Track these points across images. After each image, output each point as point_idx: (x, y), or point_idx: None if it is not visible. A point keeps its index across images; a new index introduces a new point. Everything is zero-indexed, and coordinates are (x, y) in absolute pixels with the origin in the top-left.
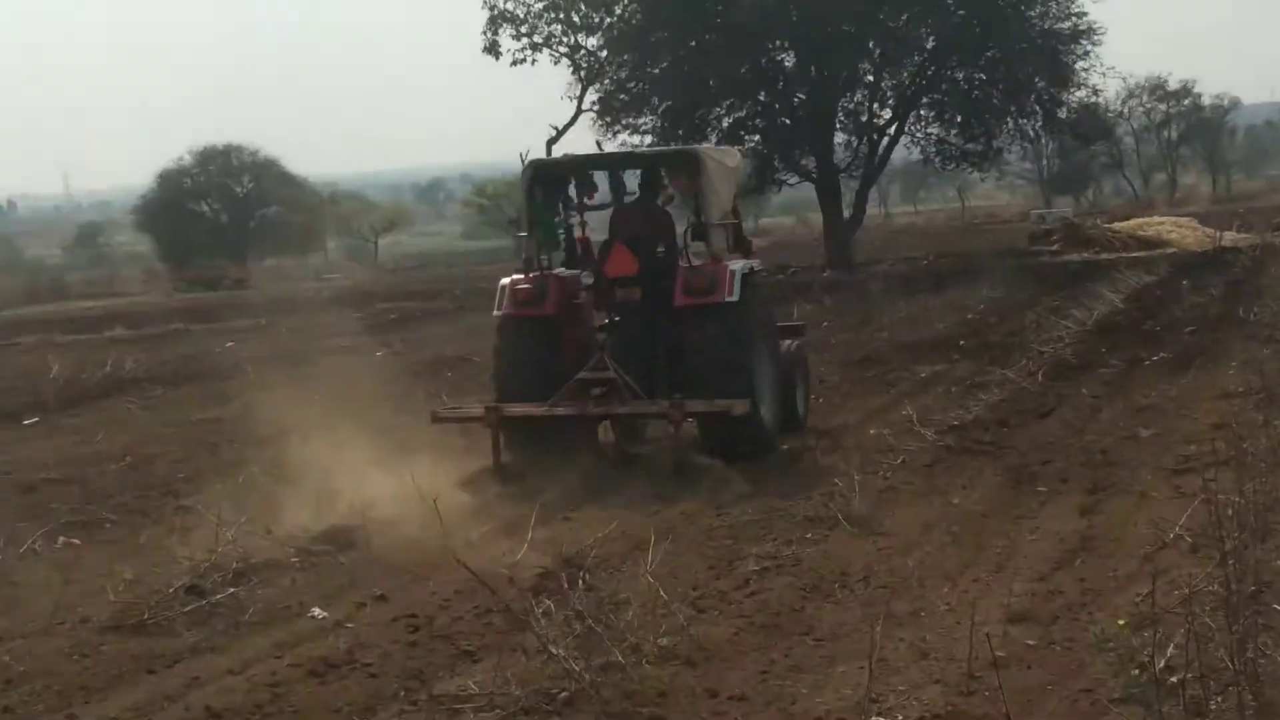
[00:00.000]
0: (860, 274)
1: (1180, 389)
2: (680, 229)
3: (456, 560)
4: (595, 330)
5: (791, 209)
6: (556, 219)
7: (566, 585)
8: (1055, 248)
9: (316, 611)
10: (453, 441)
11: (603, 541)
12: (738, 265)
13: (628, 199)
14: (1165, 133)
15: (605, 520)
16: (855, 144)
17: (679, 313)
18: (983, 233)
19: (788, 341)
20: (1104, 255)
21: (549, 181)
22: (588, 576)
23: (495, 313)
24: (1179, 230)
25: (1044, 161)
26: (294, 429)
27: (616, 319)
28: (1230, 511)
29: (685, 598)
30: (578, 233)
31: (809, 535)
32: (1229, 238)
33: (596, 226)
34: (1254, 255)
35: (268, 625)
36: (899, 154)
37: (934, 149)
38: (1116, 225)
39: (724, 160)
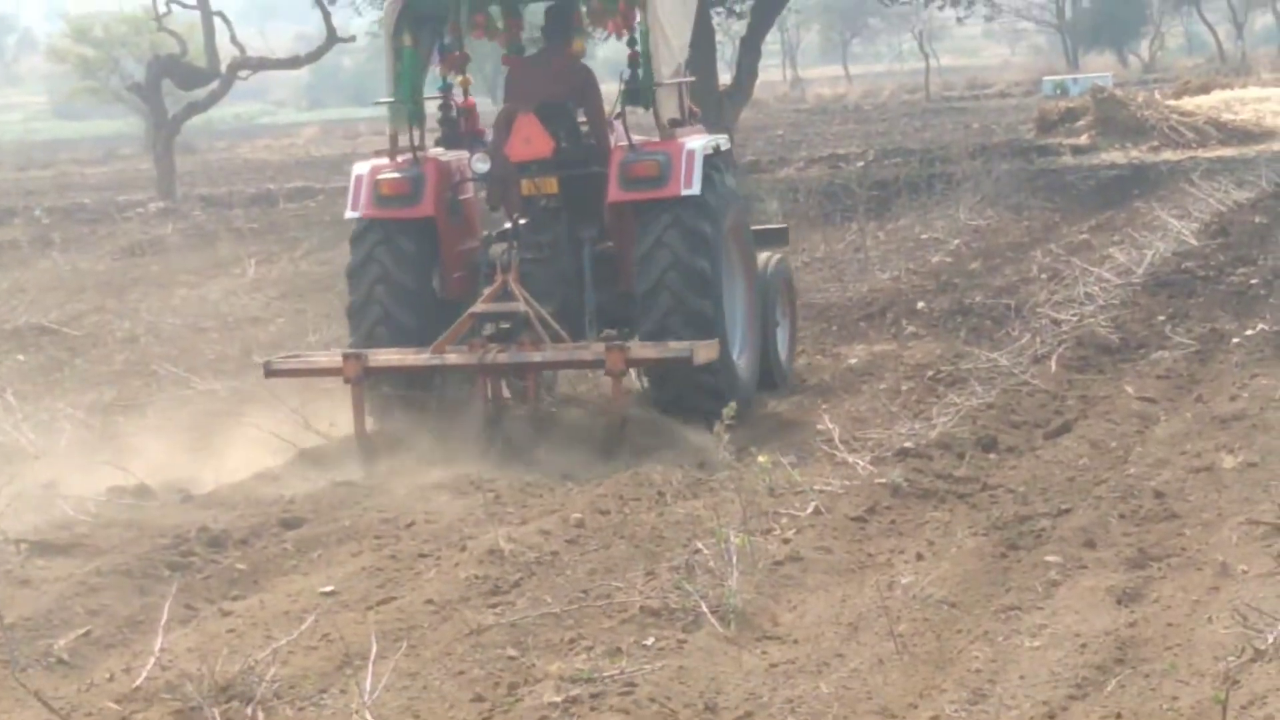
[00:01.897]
0: (747, 183)
1: None
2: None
3: (24, 688)
4: (492, 239)
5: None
6: (442, 77)
7: None
8: (1083, 140)
9: None
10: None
11: (294, 648)
12: (698, 143)
13: (529, 50)
14: None
15: (301, 609)
16: None
17: (616, 212)
18: (961, 113)
19: (766, 254)
20: (1165, 154)
21: (422, 22)
22: (260, 717)
23: (349, 214)
24: None
25: None
26: None
27: (523, 222)
28: None
29: None
30: (459, 97)
31: (650, 640)
32: None
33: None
34: None
35: None
36: None
37: None
38: (1187, 102)
39: None
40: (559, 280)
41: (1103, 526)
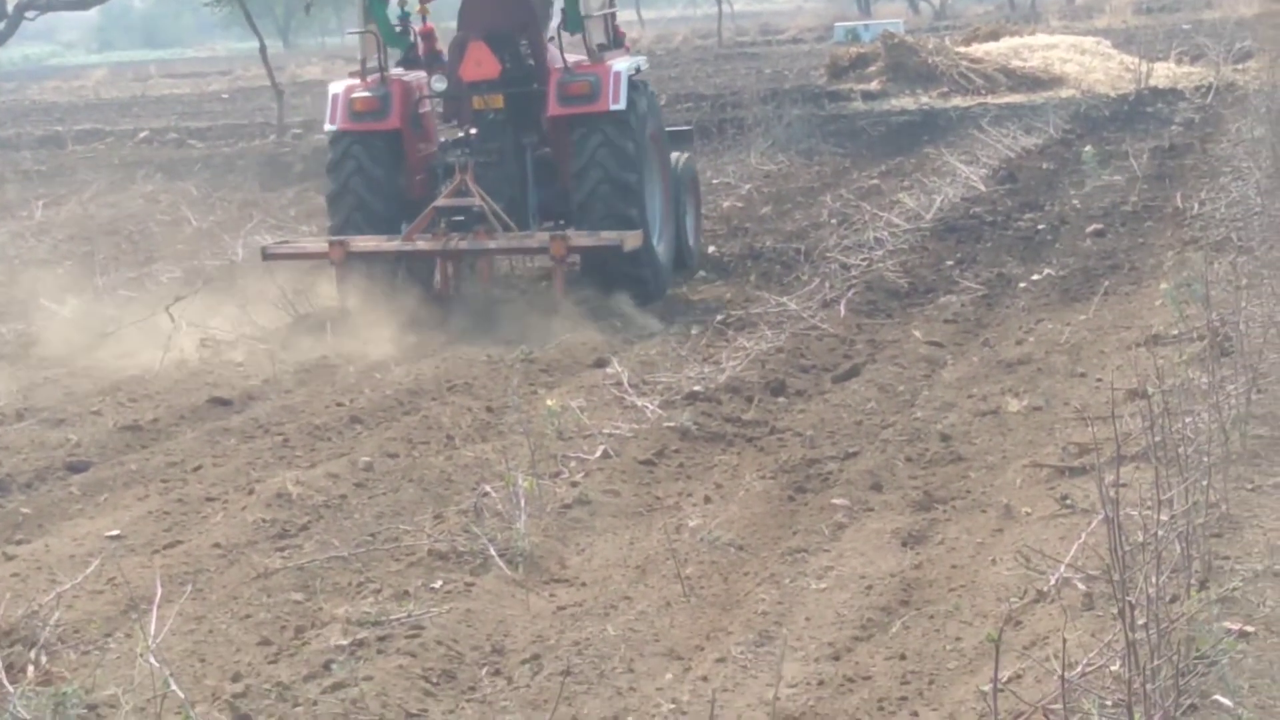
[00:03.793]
0: None
1: (1075, 329)
2: (552, 20)
3: None
4: (448, 146)
5: None
6: (400, 7)
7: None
8: (874, 86)
9: None
10: None
11: (78, 592)
12: (623, 65)
13: None
14: None
15: (87, 553)
16: None
17: (554, 124)
18: (753, 59)
19: (675, 154)
20: (954, 99)
21: None
22: (42, 661)
23: (328, 127)
24: (1080, 58)
25: None
26: None
27: (474, 132)
28: (1146, 539)
29: (216, 699)
30: (418, 24)
31: (439, 583)
32: (1162, 72)
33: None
34: (1202, 102)
35: None
36: None
37: None
38: (976, 49)
39: None
40: (506, 181)
41: (889, 470)
